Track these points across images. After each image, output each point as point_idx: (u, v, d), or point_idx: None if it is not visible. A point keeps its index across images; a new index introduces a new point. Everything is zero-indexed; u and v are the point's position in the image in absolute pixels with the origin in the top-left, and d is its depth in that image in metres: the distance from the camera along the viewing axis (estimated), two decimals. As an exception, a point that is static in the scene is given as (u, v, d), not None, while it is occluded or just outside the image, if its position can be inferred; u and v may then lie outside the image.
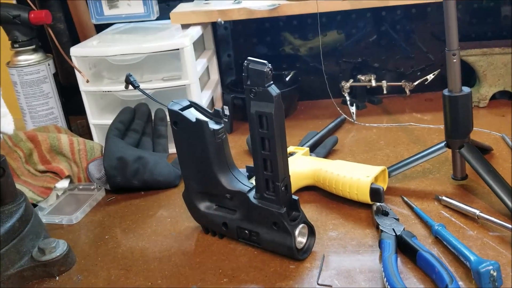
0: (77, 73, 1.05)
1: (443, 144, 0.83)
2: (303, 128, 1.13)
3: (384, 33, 1.27)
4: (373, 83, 1.18)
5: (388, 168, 0.85)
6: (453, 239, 0.67)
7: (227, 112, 1.17)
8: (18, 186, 0.77)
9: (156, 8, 1.22)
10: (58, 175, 0.94)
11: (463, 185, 0.84)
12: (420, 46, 1.27)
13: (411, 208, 0.79)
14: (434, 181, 0.86)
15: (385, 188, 0.82)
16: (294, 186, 0.80)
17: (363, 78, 1.20)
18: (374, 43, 1.28)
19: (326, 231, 0.76)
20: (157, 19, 1.23)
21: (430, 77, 1.12)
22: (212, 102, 1.22)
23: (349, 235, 0.74)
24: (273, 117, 0.64)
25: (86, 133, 1.17)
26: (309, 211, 0.81)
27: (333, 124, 1.11)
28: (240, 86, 1.21)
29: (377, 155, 0.98)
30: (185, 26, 1.13)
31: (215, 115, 0.72)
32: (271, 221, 0.70)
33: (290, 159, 0.85)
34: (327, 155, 0.99)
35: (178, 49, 1.02)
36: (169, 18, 1.14)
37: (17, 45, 1.09)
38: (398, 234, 0.69)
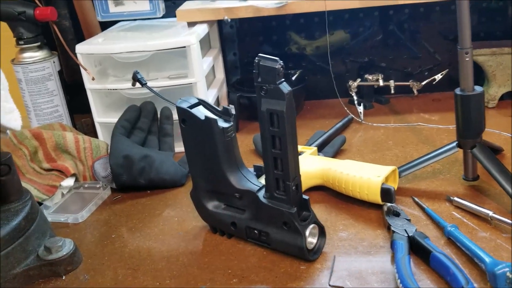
0: (82, 70, 1.04)
1: (454, 144, 0.82)
2: (310, 127, 1.11)
3: (392, 32, 1.26)
4: (381, 83, 1.17)
5: (398, 168, 0.84)
6: (467, 241, 0.65)
7: (233, 111, 1.15)
8: (23, 184, 0.76)
9: (162, 5, 1.21)
10: (64, 173, 0.93)
11: (474, 185, 0.83)
12: (427, 46, 1.25)
13: (422, 209, 0.77)
14: (444, 182, 0.85)
15: (395, 189, 0.81)
16: (303, 186, 0.79)
17: (370, 77, 1.19)
18: (381, 43, 1.27)
19: (336, 231, 0.75)
20: (163, 16, 1.23)
21: (438, 77, 1.11)
22: (217, 101, 1.21)
23: (360, 235, 0.73)
24: (285, 115, 0.63)
25: (91, 131, 1.16)
26: (318, 211, 0.80)
27: (340, 123, 1.10)
28: (246, 85, 1.20)
29: (386, 155, 0.97)
30: (191, 24, 1.12)
31: (224, 113, 0.71)
32: (281, 221, 0.68)
33: (299, 158, 0.84)
34: (335, 154, 0.98)
35: (184, 47, 1.01)
36: (175, 16, 1.13)
37: (22, 42, 1.08)
38: (410, 235, 0.68)
